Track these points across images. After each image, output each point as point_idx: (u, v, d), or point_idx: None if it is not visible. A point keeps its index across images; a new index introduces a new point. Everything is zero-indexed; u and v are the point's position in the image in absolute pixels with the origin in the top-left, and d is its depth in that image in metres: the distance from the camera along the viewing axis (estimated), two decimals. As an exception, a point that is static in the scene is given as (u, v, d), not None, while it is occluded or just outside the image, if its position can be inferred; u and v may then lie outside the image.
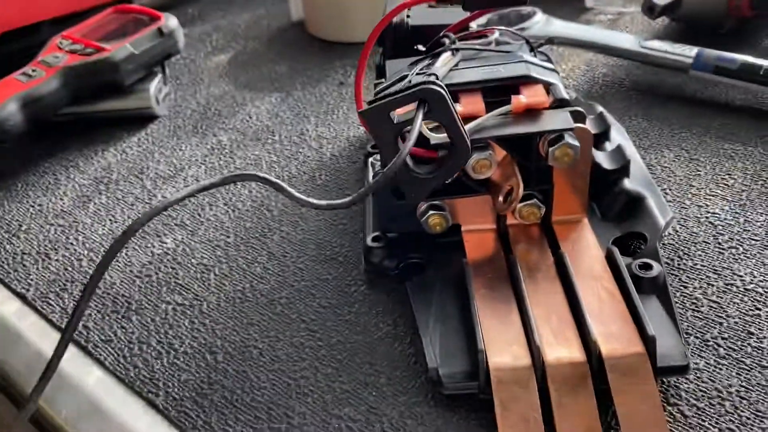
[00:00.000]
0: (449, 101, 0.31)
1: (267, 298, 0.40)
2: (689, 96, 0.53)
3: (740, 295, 0.37)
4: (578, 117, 0.37)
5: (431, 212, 0.39)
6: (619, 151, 0.42)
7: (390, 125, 0.32)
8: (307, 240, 0.44)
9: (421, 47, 0.46)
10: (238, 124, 0.58)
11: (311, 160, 0.52)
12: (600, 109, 0.48)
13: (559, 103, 0.37)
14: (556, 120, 0.36)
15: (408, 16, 0.48)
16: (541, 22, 0.58)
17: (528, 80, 0.38)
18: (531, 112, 0.37)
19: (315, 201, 0.29)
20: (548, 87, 0.38)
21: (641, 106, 0.53)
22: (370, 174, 0.47)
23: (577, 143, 0.36)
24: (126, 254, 0.45)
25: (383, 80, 0.42)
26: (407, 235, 0.41)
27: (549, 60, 0.46)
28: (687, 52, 0.52)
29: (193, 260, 0.44)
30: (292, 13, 0.74)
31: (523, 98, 0.37)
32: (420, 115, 0.30)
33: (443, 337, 0.35)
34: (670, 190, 0.45)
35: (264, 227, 0.46)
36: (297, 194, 0.28)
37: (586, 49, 0.57)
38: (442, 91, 0.30)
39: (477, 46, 0.42)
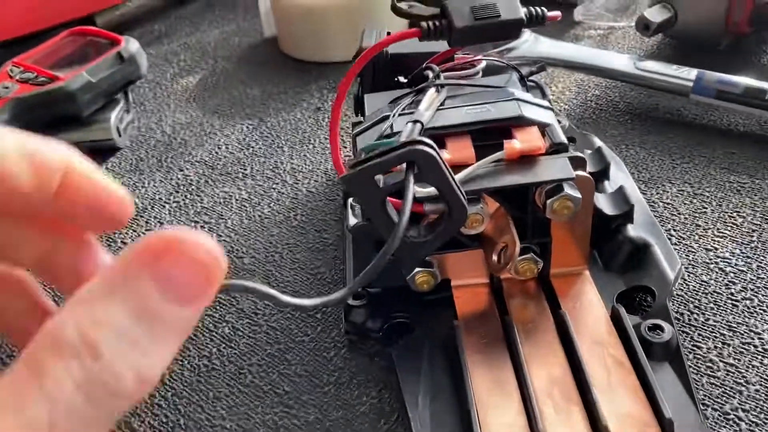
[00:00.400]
0: (442, 163, 0.27)
1: (236, 365, 0.36)
2: (689, 121, 0.50)
3: (759, 356, 0.34)
4: (578, 163, 0.33)
5: (418, 270, 0.35)
6: (621, 193, 0.38)
7: (375, 190, 0.28)
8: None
9: (402, 79, 0.42)
10: (206, 156, 0.54)
11: (285, 197, 0.48)
12: (597, 142, 0.44)
13: (557, 148, 0.34)
14: (554, 168, 0.33)
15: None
16: (530, 42, 0.54)
17: (521, 122, 0.34)
18: (526, 159, 0.33)
19: (307, 302, 0.25)
20: (544, 129, 0.34)
21: (638, 132, 0.49)
22: (350, 217, 0.43)
23: (578, 194, 0.32)
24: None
25: (361, 119, 0.38)
26: (391, 290, 0.37)
27: (542, 91, 0.43)
28: (686, 74, 0.48)
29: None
30: (264, 29, 0.69)
31: (517, 143, 0.33)
32: (411, 180, 0.26)
33: (434, 418, 0.31)
34: (674, 230, 0.41)
35: (235, 277, 0.42)
36: (289, 300, 0.24)
37: (577, 70, 0.53)
38: (432, 152, 0.26)
39: (463, 82, 0.38)
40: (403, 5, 0.33)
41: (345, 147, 0.51)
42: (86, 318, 0.15)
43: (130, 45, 0.55)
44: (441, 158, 0.27)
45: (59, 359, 0.15)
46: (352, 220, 0.42)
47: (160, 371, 0.16)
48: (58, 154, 0.20)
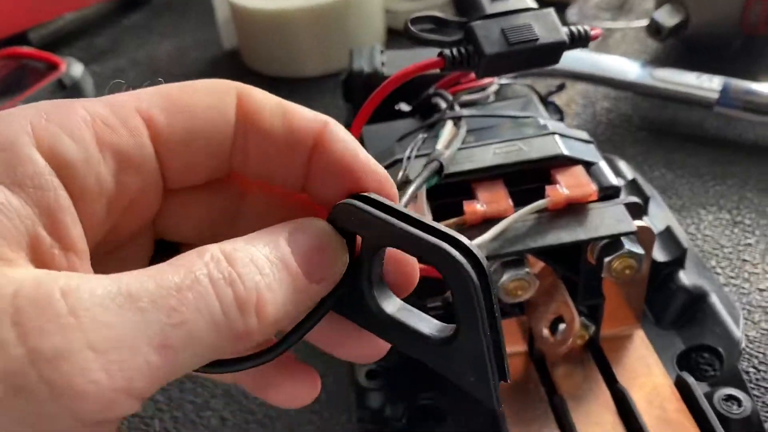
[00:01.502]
0: (494, 297, 0.17)
1: None
2: (713, 136, 0.45)
3: None
4: (636, 211, 0.28)
5: (447, 344, 0.29)
6: (669, 235, 0.33)
7: None
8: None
9: (404, 106, 0.36)
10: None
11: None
12: (626, 169, 0.39)
13: (607, 192, 0.28)
14: (610, 219, 0.27)
15: (383, 64, 0.38)
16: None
17: (563, 161, 0.29)
18: (573, 208, 0.28)
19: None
20: (588, 168, 0.29)
21: (659, 151, 0.44)
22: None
23: (641, 250, 0.27)
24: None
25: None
26: (414, 364, 0.31)
27: (560, 113, 0.37)
28: (709, 84, 0.44)
29: (124, 410, 0.33)
30: (223, 40, 0.62)
31: (564, 189, 0.27)
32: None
33: None
34: (720, 268, 0.36)
35: (216, 351, 0.35)
36: None
37: (584, 81, 0.48)
38: (470, 273, 0.16)
39: (481, 112, 0.32)
40: (417, 29, 0.27)
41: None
42: (228, 246, 0.17)
43: (73, 69, 0.47)
44: (494, 291, 0.17)
45: (197, 257, 0.16)
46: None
47: (275, 318, 0.17)
48: (313, 117, 0.19)
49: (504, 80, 0.36)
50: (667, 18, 0.47)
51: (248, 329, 0.16)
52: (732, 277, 0.36)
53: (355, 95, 0.38)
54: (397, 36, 0.59)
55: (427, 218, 0.18)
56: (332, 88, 0.53)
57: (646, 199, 0.35)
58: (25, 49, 0.50)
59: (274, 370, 0.20)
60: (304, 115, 0.19)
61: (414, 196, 0.26)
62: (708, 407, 0.27)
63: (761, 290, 0.35)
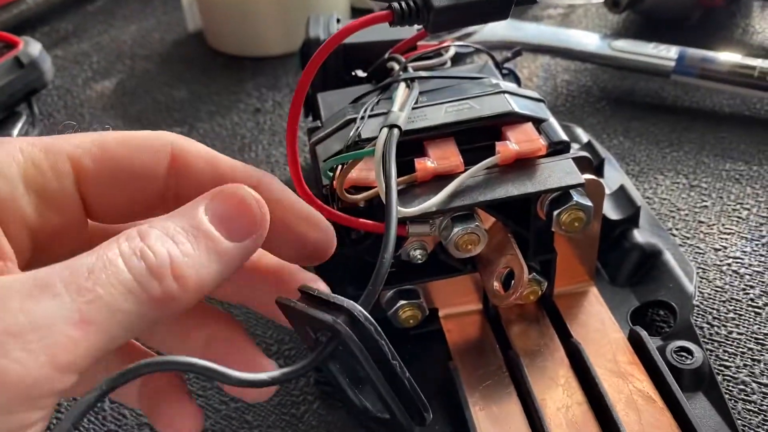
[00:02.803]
0: (385, 347, 0.20)
1: (187, 433, 0.30)
2: (670, 104, 0.46)
3: (795, 373, 0.29)
4: (584, 164, 0.28)
5: (402, 302, 0.29)
6: (623, 194, 0.33)
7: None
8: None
9: (360, 73, 0.36)
10: (130, 172, 0.46)
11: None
12: (582, 134, 0.39)
13: (557, 148, 0.28)
14: (559, 173, 0.27)
15: (339, 33, 0.38)
16: (489, 25, 0.49)
17: (513, 118, 0.29)
18: (523, 163, 0.28)
19: (262, 376, 0.19)
20: (539, 125, 0.29)
21: (618, 120, 0.45)
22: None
23: (589, 203, 0.27)
24: None
25: (318, 124, 0.32)
26: (367, 325, 0.31)
27: (518, 82, 0.38)
28: (666, 53, 0.44)
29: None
30: (188, 22, 0.62)
31: (512, 145, 0.27)
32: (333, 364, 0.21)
33: (438, 489, 0.25)
34: (676, 230, 0.37)
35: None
36: (239, 375, 0.18)
37: (545, 53, 0.48)
38: (356, 343, 0.19)
39: (436, 74, 0.32)
40: None
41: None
42: (146, 225, 0.18)
43: (30, 47, 0.47)
44: (382, 343, 0.20)
45: (114, 240, 0.18)
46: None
47: (197, 281, 0.18)
48: (246, 174, 0.22)
49: (460, 45, 0.36)
50: (625, -10, 0.48)
51: (169, 293, 0.18)
52: (687, 238, 0.36)
53: (310, 64, 0.38)
54: (362, 15, 0.59)
55: (327, 292, 0.21)
56: (296, 65, 0.53)
57: (600, 161, 0.36)
58: (-18, 30, 0.49)
59: (164, 401, 0.22)
60: (236, 172, 0.22)
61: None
62: (659, 358, 0.28)
63: (716, 250, 0.35)
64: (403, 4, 0.26)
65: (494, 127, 0.29)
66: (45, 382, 0.16)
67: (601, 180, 0.28)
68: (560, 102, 0.47)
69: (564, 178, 0.27)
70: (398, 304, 0.29)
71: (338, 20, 0.39)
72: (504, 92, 0.30)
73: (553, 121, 0.29)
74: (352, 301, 0.19)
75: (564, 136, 0.29)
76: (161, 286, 0.17)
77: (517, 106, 0.29)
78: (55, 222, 0.20)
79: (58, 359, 0.16)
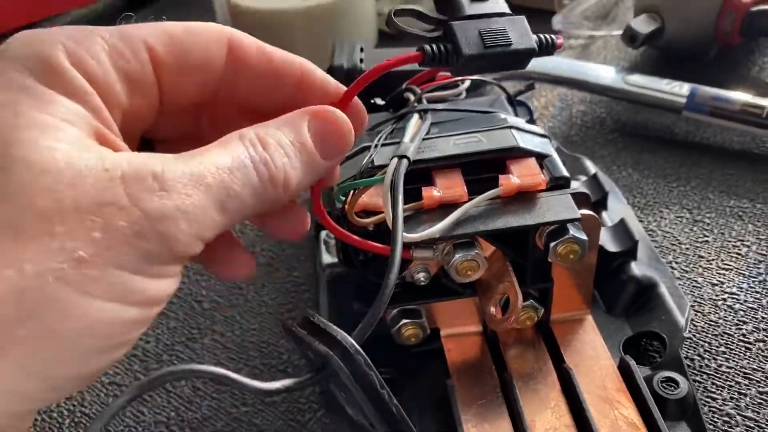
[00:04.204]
0: (374, 378, 0.22)
1: (199, 433, 0.32)
2: (681, 139, 0.47)
3: (780, 408, 0.30)
4: (582, 200, 0.30)
5: (404, 321, 0.31)
6: (623, 227, 0.35)
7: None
8: (248, 344, 0.36)
9: (379, 101, 0.38)
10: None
11: (251, 229, 0.44)
12: (590, 166, 0.41)
13: (557, 183, 0.30)
14: (557, 207, 0.29)
15: (361, 60, 0.40)
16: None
17: (517, 153, 0.30)
18: (524, 196, 0.29)
19: (274, 385, 0.21)
20: (542, 160, 0.31)
21: (629, 152, 0.46)
22: (323, 254, 0.39)
23: (584, 236, 0.28)
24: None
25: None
26: (374, 340, 0.33)
27: (530, 113, 0.39)
28: (678, 90, 0.45)
29: (103, 378, 0.35)
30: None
31: (514, 179, 0.29)
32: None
33: (428, 497, 0.27)
34: (676, 263, 0.38)
35: (192, 327, 0.37)
36: (249, 382, 0.21)
37: (561, 85, 0.50)
38: (346, 372, 0.22)
39: (449, 107, 0.34)
40: (401, 21, 0.28)
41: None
42: (262, 130, 0.22)
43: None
44: (371, 374, 0.22)
45: (240, 141, 0.22)
46: (326, 258, 0.38)
47: (296, 189, 0.23)
48: (291, 60, 0.25)
49: (476, 78, 0.38)
50: (643, 26, 0.49)
51: (277, 197, 0.22)
52: (686, 272, 0.37)
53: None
54: (389, 38, 0.61)
55: (325, 322, 0.23)
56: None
57: (604, 194, 0.37)
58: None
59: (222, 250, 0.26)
60: (284, 58, 0.25)
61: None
62: (645, 387, 0.29)
63: (713, 284, 0.37)
64: (434, 47, 0.27)
65: (499, 160, 0.30)
66: (192, 247, 0.20)
67: (595, 215, 0.30)
68: (574, 132, 0.49)
69: (561, 213, 0.29)
70: (401, 323, 0.31)
71: (362, 49, 0.41)
72: (511, 127, 0.32)
73: (556, 157, 0.31)
74: (345, 334, 0.22)
75: (565, 172, 0.30)
76: (275, 192, 0.22)
77: (521, 141, 0.31)
78: (140, 105, 0.23)
79: (203, 234, 0.20)
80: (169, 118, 0.25)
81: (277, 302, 0.38)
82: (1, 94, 0.19)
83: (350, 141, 0.24)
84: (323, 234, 0.40)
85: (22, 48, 0.20)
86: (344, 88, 0.26)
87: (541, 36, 0.28)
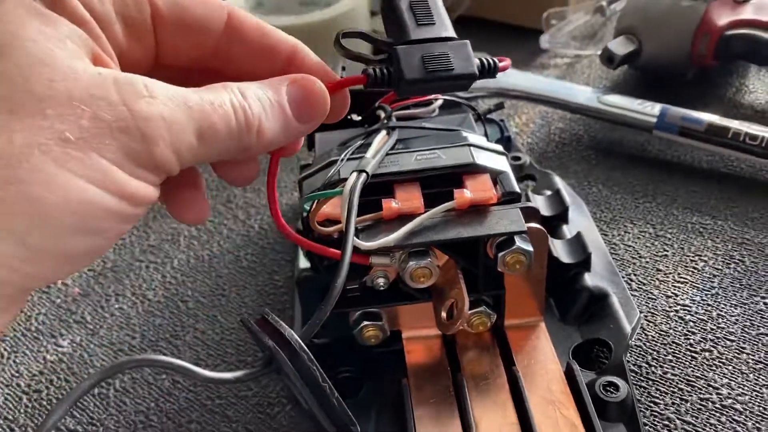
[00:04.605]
0: (316, 372, 0.25)
1: (174, 422, 0.34)
2: (653, 157, 0.49)
3: (717, 414, 0.32)
4: (531, 214, 0.32)
5: (365, 323, 0.33)
6: (578, 241, 0.37)
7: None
8: (226, 341, 0.39)
9: (355, 117, 0.40)
10: (157, 188, 0.52)
11: (236, 234, 0.46)
12: (557, 182, 0.43)
13: (509, 197, 0.32)
14: (506, 220, 0.31)
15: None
16: (492, 72, 0.53)
17: (473, 169, 0.33)
18: (477, 209, 0.32)
19: (227, 375, 0.24)
20: (496, 176, 0.33)
21: (601, 168, 0.48)
22: (301, 258, 0.41)
23: (530, 248, 0.31)
24: (14, 361, 0.39)
25: (311, 160, 0.37)
26: (339, 341, 0.35)
27: (502, 131, 0.42)
28: (650, 110, 0.47)
29: (90, 370, 0.38)
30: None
31: (468, 193, 0.31)
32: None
33: (378, 485, 0.29)
34: (635, 275, 0.40)
35: (176, 324, 0.40)
36: (206, 374, 0.24)
37: (540, 103, 0.52)
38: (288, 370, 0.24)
39: (414, 124, 0.36)
40: (347, 43, 0.30)
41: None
42: (244, 85, 0.24)
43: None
44: (313, 368, 0.25)
45: (222, 88, 0.24)
46: (303, 263, 0.40)
47: (268, 141, 0.25)
48: (284, 39, 0.27)
49: (448, 97, 0.41)
50: (620, 47, 0.51)
51: (250, 143, 0.24)
52: (643, 284, 0.39)
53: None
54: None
55: (277, 320, 0.25)
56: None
57: (565, 208, 0.39)
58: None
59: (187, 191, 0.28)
60: (278, 36, 0.27)
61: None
62: (585, 390, 0.31)
63: (667, 296, 0.38)
64: (378, 71, 0.30)
65: (456, 175, 0.33)
66: (170, 161, 0.22)
67: (542, 229, 0.32)
68: (551, 148, 0.51)
69: (509, 225, 0.31)
70: (362, 324, 0.33)
71: (343, 68, 0.44)
72: (470, 145, 0.34)
73: (510, 174, 0.33)
74: (292, 332, 0.24)
75: (516, 188, 0.32)
76: (248, 136, 0.24)
77: (477, 158, 0.33)
78: (136, 50, 0.25)
79: (181, 152, 0.22)
80: (163, 76, 0.26)
81: (256, 303, 0.41)
82: (12, 11, 0.21)
83: (325, 110, 0.26)
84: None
85: None
86: (337, 76, 0.28)
87: (484, 60, 0.30)
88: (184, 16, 0.26)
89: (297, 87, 0.26)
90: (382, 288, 0.32)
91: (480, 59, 0.31)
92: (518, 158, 0.45)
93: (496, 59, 0.31)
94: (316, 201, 0.31)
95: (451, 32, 0.31)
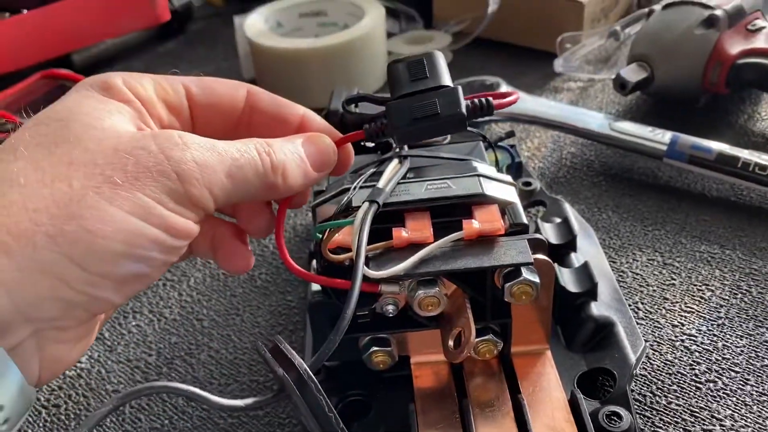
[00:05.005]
0: (323, 402, 0.26)
1: (187, 441, 0.35)
2: (663, 184, 0.50)
3: (720, 446, 0.33)
4: (538, 245, 0.33)
5: (374, 348, 0.34)
6: (585, 270, 0.38)
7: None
8: (239, 360, 0.40)
9: (369, 144, 0.41)
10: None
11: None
12: (567, 209, 0.43)
13: (517, 229, 0.33)
14: (513, 251, 0.32)
15: (356, 107, 0.44)
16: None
17: (481, 200, 0.33)
18: (485, 240, 0.32)
19: (239, 403, 0.25)
20: (505, 207, 0.34)
21: (611, 195, 0.49)
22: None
23: (536, 279, 0.31)
24: (34, 376, 0.40)
25: (323, 187, 0.38)
26: (349, 364, 0.36)
27: (512, 155, 0.42)
28: (661, 137, 0.48)
29: (108, 386, 0.39)
30: (243, 71, 0.69)
31: (476, 224, 0.32)
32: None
33: None
34: (642, 303, 0.40)
35: (191, 342, 0.41)
36: (219, 400, 0.25)
37: (552, 129, 0.53)
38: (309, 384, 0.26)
39: (427, 152, 0.37)
40: (352, 108, 0.35)
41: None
42: (269, 139, 0.29)
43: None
44: (320, 398, 0.26)
45: (249, 140, 0.28)
46: (315, 285, 0.41)
47: (292, 184, 0.29)
48: (295, 110, 0.32)
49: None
50: (632, 74, 0.52)
51: (276, 184, 0.28)
52: (650, 313, 0.40)
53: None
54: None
55: (288, 349, 0.27)
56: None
57: (573, 236, 0.40)
58: (64, 71, 0.57)
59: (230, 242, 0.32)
60: (290, 105, 0.32)
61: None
62: (588, 419, 0.32)
63: (674, 326, 0.39)
64: (372, 125, 0.33)
65: (465, 205, 0.34)
66: (204, 198, 0.26)
67: (549, 261, 0.32)
68: (562, 173, 0.51)
69: (516, 257, 0.31)
70: (371, 350, 0.34)
71: (358, 92, 0.45)
72: (479, 175, 0.35)
73: (518, 205, 0.34)
74: (301, 360, 0.25)
75: (524, 220, 0.33)
76: (274, 178, 0.28)
77: (487, 189, 0.34)
78: (175, 125, 0.30)
79: (213, 189, 0.26)
80: None
81: (269, 324, 0.42)
82: (73, 96, 0.27)
83: (334, 159, 0.31)
84: (314, 262, 0.43)
85: (92, 78, 0.28)
86: (339, 134, 0.33)
87: (476, 101, 0.32)
88: (212, 95, 0.31)
89: (310, 142, 0.31)
90: (391, 315, 0.33)
91: (472, 100, 0.32)
92: (529, 183, 0.46)
93: (491, 99, 0.32)
94: (328, 229, 0.32)
95: (443, 82, 0.33)
